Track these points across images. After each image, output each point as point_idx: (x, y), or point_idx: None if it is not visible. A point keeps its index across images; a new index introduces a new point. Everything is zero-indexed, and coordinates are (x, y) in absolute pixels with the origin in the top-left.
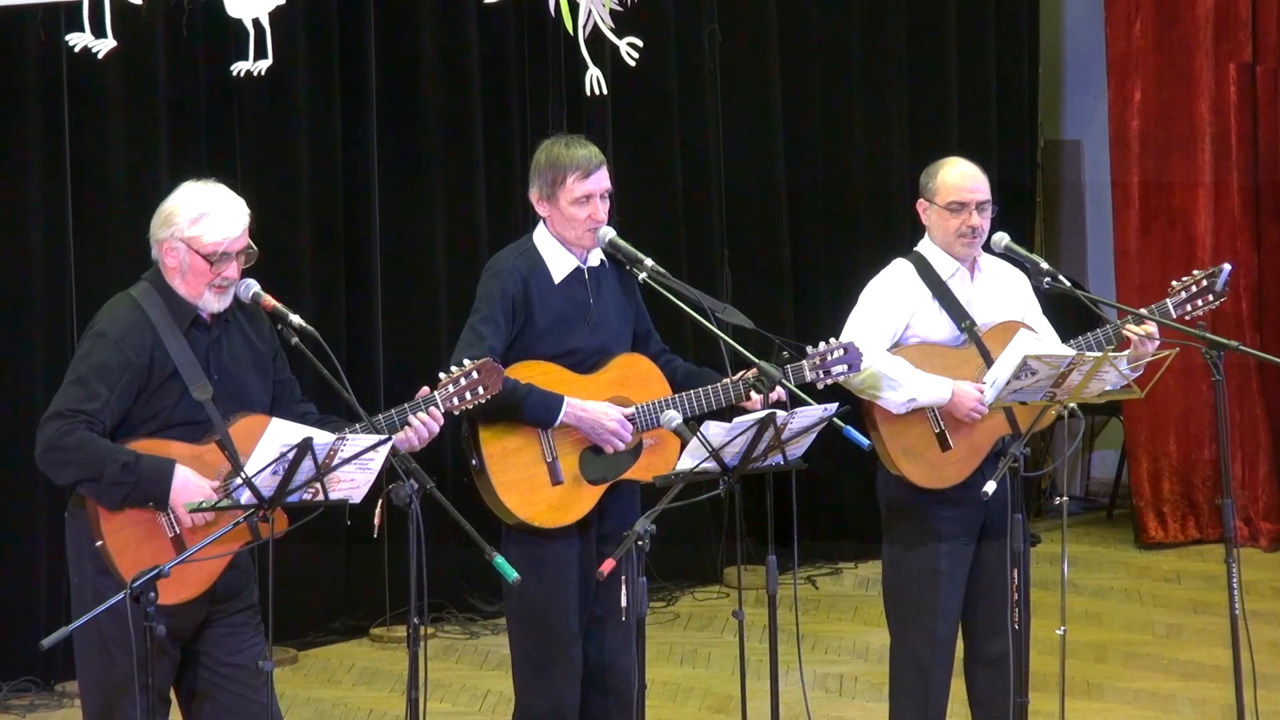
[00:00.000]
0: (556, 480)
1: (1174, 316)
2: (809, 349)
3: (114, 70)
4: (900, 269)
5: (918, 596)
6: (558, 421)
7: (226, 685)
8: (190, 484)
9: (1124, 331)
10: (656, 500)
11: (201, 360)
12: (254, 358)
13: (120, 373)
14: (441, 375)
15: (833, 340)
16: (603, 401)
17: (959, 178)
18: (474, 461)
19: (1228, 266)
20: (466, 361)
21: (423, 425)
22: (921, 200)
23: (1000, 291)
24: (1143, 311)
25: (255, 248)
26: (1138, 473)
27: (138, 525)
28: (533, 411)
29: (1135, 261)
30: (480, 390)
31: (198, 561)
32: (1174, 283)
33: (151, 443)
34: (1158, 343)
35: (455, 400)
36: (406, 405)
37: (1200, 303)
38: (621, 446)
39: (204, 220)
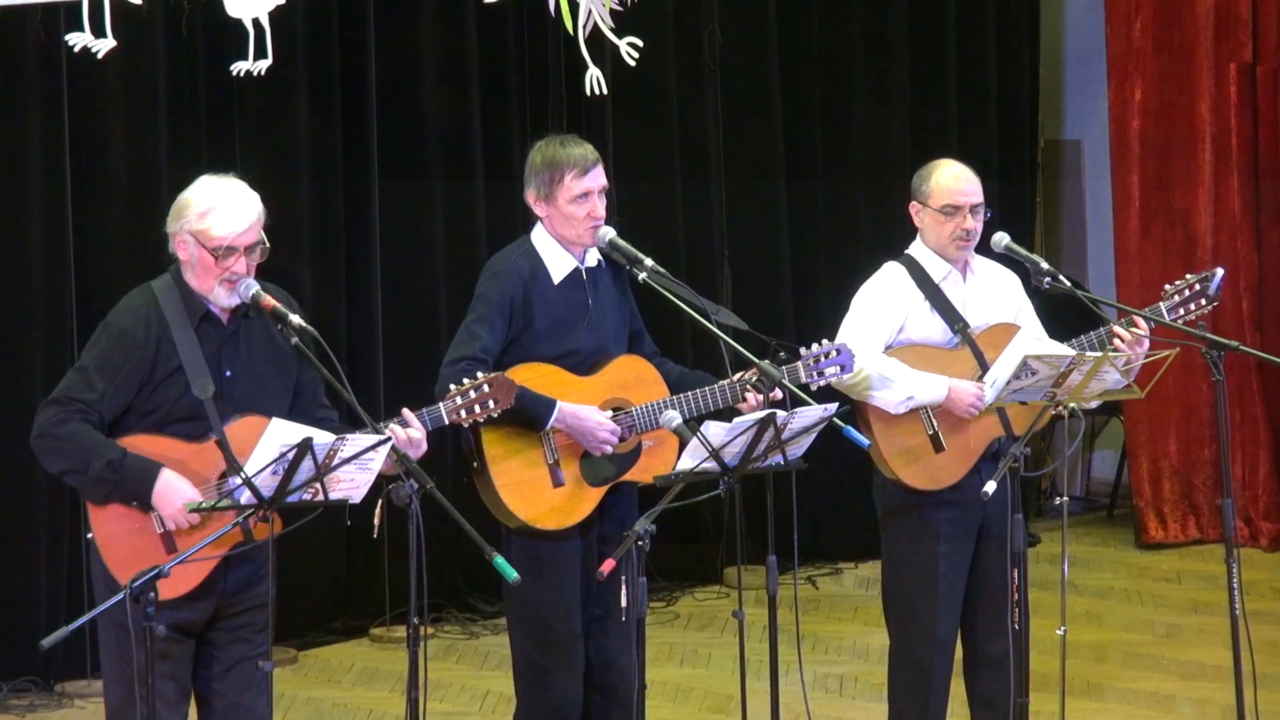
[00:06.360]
0: (558, 482)
1: (1167, 320)
2: (802, 350)
3: (114, 70)
4: (892, 272)
5: (916, 598)
6: (549, 425)
7: (233, 685)
8: (172, 487)
9: (1113, 334)
10: (656, 500)
11: (213, 357)
12: (275, 356)
13: (122, 364)
14: (452, 386)
15: (825, 342)
16: (594, 407)
17: (953, 180)
18: (475, 464)
19: (1220, 271)
20: (480, 374)
21: (404, 435)
22: (914, 203)
23: (992, 292)
24: (1138, 314)
25: (268, 244)
26: (1138, 473)
27: (126, 520)
28: (524, 414)
29: (1135, 261)
30: (491, 404)
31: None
32: (1166, 286)
33: (147, 439)
34: (1147, 345)
35: (463, 413)
36: (394, 419)
37: (1194, 306)
38: (609, 450)
39: (212, 214)
